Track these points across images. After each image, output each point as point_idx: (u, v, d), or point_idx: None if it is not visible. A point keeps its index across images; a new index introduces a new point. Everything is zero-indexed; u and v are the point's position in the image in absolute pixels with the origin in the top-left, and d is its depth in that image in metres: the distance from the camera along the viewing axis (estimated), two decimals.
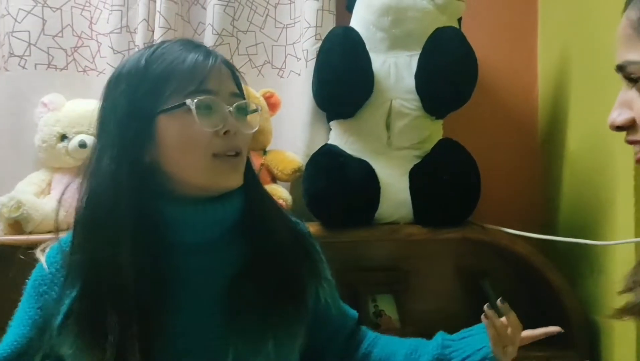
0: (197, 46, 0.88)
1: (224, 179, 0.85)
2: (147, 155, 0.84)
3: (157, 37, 1.57)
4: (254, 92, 1.59)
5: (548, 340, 1.57)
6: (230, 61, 1.65)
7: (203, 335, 0.83)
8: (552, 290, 1.49)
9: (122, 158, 0.82)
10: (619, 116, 0.66)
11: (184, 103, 0.81)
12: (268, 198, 0.96)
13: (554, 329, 1.01)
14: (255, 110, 0.91)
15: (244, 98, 0.91)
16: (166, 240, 0.84)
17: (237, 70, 0.93)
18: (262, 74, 1.70)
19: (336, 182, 1.42)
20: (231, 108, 0.85)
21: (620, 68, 0.65)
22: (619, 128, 0.66)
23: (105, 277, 0.80)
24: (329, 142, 1.57)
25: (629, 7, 0.67)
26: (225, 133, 0.84)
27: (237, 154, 0.86)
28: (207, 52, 0.87)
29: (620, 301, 0.70)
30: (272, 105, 1.61)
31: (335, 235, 1.45)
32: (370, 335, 1.08)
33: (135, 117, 0.83)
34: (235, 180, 0.86)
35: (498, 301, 0.98)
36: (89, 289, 0.81)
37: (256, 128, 0.91)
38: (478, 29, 1.68)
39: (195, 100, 0.81)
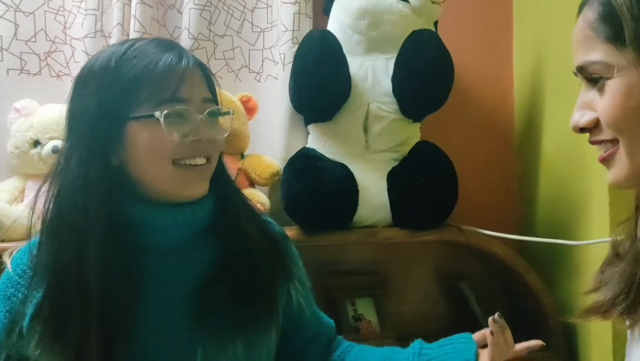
0: (170, 47, 0.86)
1: (188, 188, 0.84)
2: (116, 158, 0.83)
3: None
4: (231, 96, 1.58)
5: (525, 340, 1.58)
6: (207, 65, 1.64)
7: (171, 337, 0.82)
8: (530, 290, 1.50)
9: (90, 160, 0.81)
10: (582, 118, 0.67)
11: (153, 115, 0.81)
12: (240, 200, 0.95)
13: (536, 343, 0.99)
14: (227, 113, 0.91)
15: (217, 103, 0.90)
16: (135, 243, 0.83)
17: (210, 72, 0.92)
18: (239, 78, 1.69)
19: (314, 186, 1.41)
20: (202, 117, 0.84)
21: (581, 69, 0.67)
22: (582, 130, 0.68)
23: (70, 278, 0.79)
24: (307, 145, 1.56)
25: (584, 8, 0.68)
26: (194, 141, 0.84)
27: (208, 160, 0.86)
28: (180, 54, 0.85)
29: (588, 301, 0.71)
30: (250, 109, 1.60)
31: (313, 239, 1.45)
32: (344, 343, 1.06)
33: (105, 120, 0.82)
34: (198, 189, 0.85)
35: (496, 316, 0.94)
36: (54, 290, 0.80)
37: (227, 133, 0.90)
38: (454, 33, 1.69)
39: (165, 112, 0.81)
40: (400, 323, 1.61)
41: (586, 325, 1.40)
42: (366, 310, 1.57)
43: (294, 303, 0.95)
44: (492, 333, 0.92)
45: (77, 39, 1.61)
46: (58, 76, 1.61)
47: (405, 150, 1.51)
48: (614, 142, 0.65)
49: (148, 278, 0.83)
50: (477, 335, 0.96)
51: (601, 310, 0.69)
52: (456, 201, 1.48)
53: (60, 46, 1.62)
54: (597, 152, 0.69)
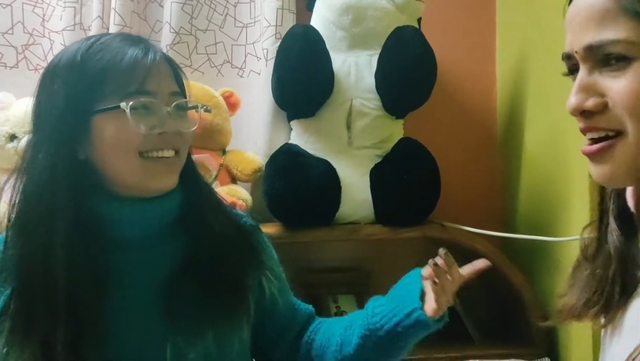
0: (136, 42, 0.85)
1: (156, 181, 0.84)
2: (82, 152, 0.83)
3: None
4: (213, 91, 1.56)
5: (507, 337, 1.59)
6: (188, 59, 1.61)
7: (141, 331, 0.82)
8: (511, 287, 1.51)
9: (57, 154, 0.81)
10: (588, 100, 0.59)
11: (119, 106, 0.81)
12: (209, 194, 0.95)
13: (481, 263, 0.96)
14: (195, 107, 0.90)
15: (185, 96, 0.89)
16: (103, 237, 0.83)
17: (178, 66, 0.91)
18: (221, 74, 1.68)
19: (296, 182, 1.41)
20: (169, 109, 0.84)
21: (591, 49, 0.58)
22: (584, 113, 0.59)
23: (37, 273, 0.78)
24: (290, 141, 1.55)
25: None
26: (160, 134, 0.83)
27: (176, 153, 0.86)
28: (147, 49, 0.84)
29: (561, 303, 0.70)
30: (232, 104, 1.59)
31: (296, 236, 1.44)
32: (315, 322, 1.05)
33: (72, 114, 0.81)
34: (166, 182, 0.85)
35: (440, 250, 0.92)
36: (22, 286, 0.79)
37: (195, 126, 0.90)
38: (437, 30, 1.69)
39: (131, 103, 0.81)
40: None
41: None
42: (348, 306, 1.57)
43: (266, 295, 0.94)
44: (435, 282, 0.91)
45: (55, 31, 1.58)
46: (36, 69, 1.58)
47: (389, 146, 1.51)
48: (613, 133, 0.58)
49: (117, 272, 0.83)
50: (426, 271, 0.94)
51: (574, 313, 0.67)
52: (438, 198, 1.48)
53: (39, 39, 1.60)
54: (583, 142, 0.62)
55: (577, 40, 0.59)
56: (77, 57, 0.83)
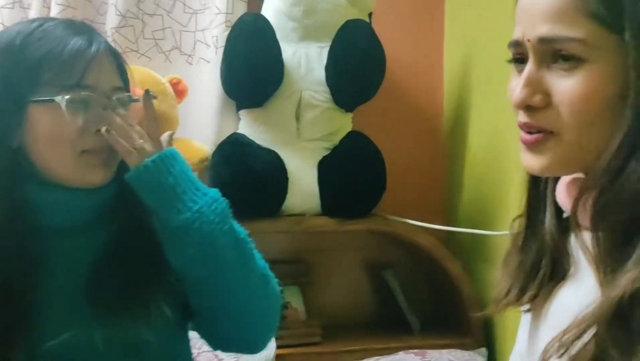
0: (81, 31, 0.82)
1: (89, 176, 0.81)
2: (16, 140, 0.80)
3: (54, 14, 1.48)
4: (160, 77, 1.53)
5: (447, 328, 1.63)
6: (134, 44, 1.57)
7: (71, 319, 0.81)
8: (451, 279, 1.55)
9: None
10: (534, 95, 0.58)
11: (54, 99, 0.78)
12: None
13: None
14: (137, 100, 0.87)
15: (128, 90, 0.87)
16: (33, 224, 0.81)
17: (123, 59, 0.88)
18: (169, 60, 1.64)
19: (242, 172, 1.40)
20: (108, 105, 0.81)
21: (546, 42, 0.57)
22: (527, 107, 0.59)
23: None
24: (238, 131, 1.54)
25: None
26: (98, 131, 0.80)
27: (114, 150, 0.82)
28: (91, 40, 0.81)
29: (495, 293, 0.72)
30: (179, 92, 1.56)
31: (242, 226, 1.43)
32: None
33: (6, 100, 0.78)
34: (99, 177, 0.82)
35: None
36: None
37: (136, 122, 0.85)
38: (388, 25, 1.71)
39: (67, 97, 0.78)
40: (326, 312, 1.62)
41: (504, 312, 1.45)
42: (293, 298, 1.57)
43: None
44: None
45: None
46: None
47: (337, 139, 1.52)
48: (547, 132, 0.58)
49: (46, 261, 0.81)
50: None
51: (506, 302, 0.68)
52: (384, 191, 1.50)
53: None
54: (520, 133, 0.61)
55: (530, 29, 0.58)
56: (17, 41, 0.79)
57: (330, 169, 1.47)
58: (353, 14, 1.51)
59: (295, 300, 1.57)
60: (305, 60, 1.50)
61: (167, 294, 0.85)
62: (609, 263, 0.56)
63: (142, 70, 1.52)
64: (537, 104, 0.59)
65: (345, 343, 1.55)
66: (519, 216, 0.72)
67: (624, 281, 0.53)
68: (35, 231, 0.81)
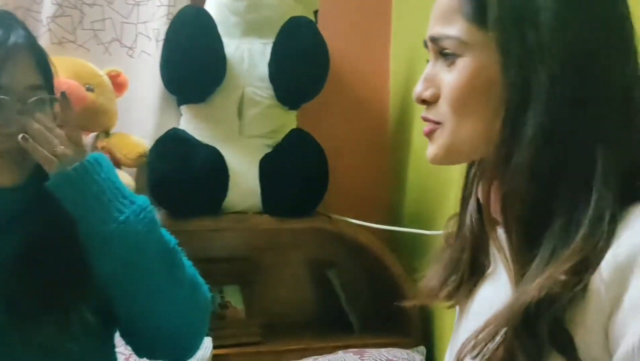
0: None
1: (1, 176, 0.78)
2: None
3: None
4: (98, 70, 1.48)
5: (387, 327, 1.65)
6: (72, 34, 1.51)
7: None
8: (391, 277, 1.56)
9: None
10: (426, 90, 0.64)
11: None
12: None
13: None
14: (55, 100, 0.82)
15: (50, 89, 0.82)
16: None
17: (43, 53, 0.83)
18: (109, 52, 1.60)
19: (181, 168, 1.37)
20: (22, 106, 0.77)
21: (434, 40, 0.64)
22: (424, 102, 0.65)
23: None
24: (179, 127, 1.51)
25: None
26: (7, 133, 0.76)
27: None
28: (7, 33, 0.77)
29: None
30: (118, 85, 1.52)
31: (181, 224, 1.40)
32: None
33: None
34: (7, 179, 0.78)
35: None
36: None
37: (56, 123, 0.81)
38: (333, 23, 1.70)
39: None
40: (267, 310, 1.61)
41: (442, 311, 1.48)
42: (233, 297, 1.55)
43: None
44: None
45: None
46: None
47: (280, 137, 1.50)
48: (437, 123, 0.64)
49: None
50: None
51: (430, 294, 0.71)
52: (326, 190, 1.50)
53: None
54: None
55: (429, 30, 0.65)
56: None
57: (271, 167, 1.46)
58: (298, 10, 1.50)
59: (235, 300, 1.55)
60: (248, 55, 1.48)
61: (91, 300, 0.82)
62: (518, 261, 0.58)
63: (78, 62, 1.48)
64: (428, 98, 0.65)
65: (284, 342, 1.54)
66: (455, 214, 0.74)
67: (532, 288, 0.54)
68: None
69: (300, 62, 1.43)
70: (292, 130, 1.53)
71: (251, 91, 1.47)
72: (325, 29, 1.53)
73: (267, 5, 1.47)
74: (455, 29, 0.62)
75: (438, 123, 0.64)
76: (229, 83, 1.46)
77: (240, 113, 1.48)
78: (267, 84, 1.47)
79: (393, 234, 1.67)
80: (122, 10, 1.60)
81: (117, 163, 1.47)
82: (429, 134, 0.65)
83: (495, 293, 0.64)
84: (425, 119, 0.65)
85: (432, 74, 0.64)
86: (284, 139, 1.50)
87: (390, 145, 1.81)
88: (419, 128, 1.66)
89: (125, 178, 1.42)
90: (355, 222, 1.53)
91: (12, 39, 0.76)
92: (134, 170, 1.52)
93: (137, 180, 1.48)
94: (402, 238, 1.65)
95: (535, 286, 0.54)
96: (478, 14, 0.60)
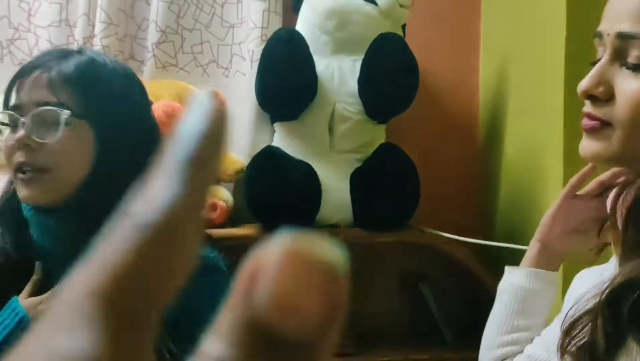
0: (45, 53, 0.89)
1: (20, 192, 0.82)
2: None
3: (98, 31, 1.53)
4: (198, 91, 1.57)
5: (481, 340, 1.61)
6: (174, 58, 1.59)
7: None
8: (487, 293, 1.52)
9: None
10: (598, 87, 0.61)
11: None
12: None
13: None
14: (54, 111, 0.82)
15: (66, 106, 0.82)
16: (35, 247, 0.86)
17: (65, 76, 0.84)
18: (207, 73, 1.69)
19: (277, 184, 1.42)
20: (26, 121, 0.81)
21: (625, 37, 0.58)
22: (591, 97, 0.62)
23: None
24: (273, 143, 1.56)
25: None
26: (19, 147, 0.82)
27: (42, 169, 0.82)
28: (40, 59, 0.87)
29: None
30: None
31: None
32: None
33: None
34: (28, 196, 0.81)
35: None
36: None
37: (58, 138, 0.81)
38: (422, 37, 1.71)
39: None
40: (359, 323, 1.62)
41: None
42: None
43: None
44: None
45: (41, 27, 1.58)
46: (21, 64, 1.55)
47: (370, 151, 1.52)
48: (605, 123, 0.61)
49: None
50: None
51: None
52: (418, 203, 1.50)
53: (24, 34, 1.59)
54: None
55: (613, 24, 0.60)
56: None
57: (362, 181, 1.48)
58: (386, 26, 1.52)
59: None
60: (338, 72, 1.51)
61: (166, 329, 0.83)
62: (630, 245, 0.57)
63: (180, 85, 1.57)
64: (599, 95, 0.61)
65: (379, 353, 1.55)
66: None
67: (626, 270, 0.54)
68: (38, 254, 0.84)
69: (390, 78, 1.45)
70: (382, 144, 1.54)
71: (341, 107, 1.50)
72: (413, 42, 1.53)
73: (356, 22, 1.50)
74: None
75: (607, 123, 0.61)
76: (320, 100, 1.49)
77: (330, 129, 1.51)
78: (356, 100, 1.50)
79: (485, 248, 1.64)
80: (219, 33, 1.69)
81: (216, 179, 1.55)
82: (591, 129, 0.62)
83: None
84: (590, 116, 0.62)
85: (606, 71, 0.61)
86: (374, 153, 1.51)
87: (480, 158, 1.78)
88: (510, 139, 1.63)
89: (224, 193, 1.49)
90: (447, 236, 1.52)
91: (37, 61, 0.86)
92: (231, 185, 1.59)
93: (234, 195, 1.55)
94: (495, 252, 1.62)
95: (628, 268, 0.54)
96: None
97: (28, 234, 0.84)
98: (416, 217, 1.54)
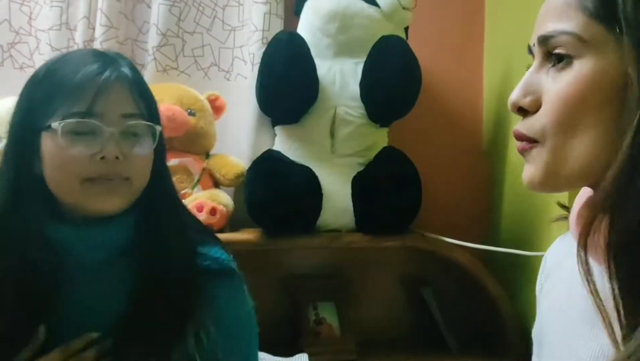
0: (99, 58, 0.83)
1: (95, 203, 0.80)
2: (38, 168, 0.82)
3: (98, 35, 1.52)
4: (198, 94, 1.56)
5: (485, 348, 1.60)
6: (174, 61, 1.58)
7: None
8: (490, 298, 1.51)
9: (15, 168, 0.81)
10: (525, 97, 0.56)
11: (51, 127, 0.79)
12: (173, 225, 0.87)
13: None
14: (152, 127, 0.85)
15: (147, 118, 0.85)
16: (54, 259, 0.81)
17: (142, 86, 0.86)
18: (208, 76, 1.67)
19: (277, 188, 1.41)
20: (114, 132, 0.80)
21: (544, 40, 0.55)
22: (520, 110, 0.57)
23: None
24: (274, 147, 1.55)
25: None
26: (102, 158, 0.80)
27: (127, 179, 0.82)
28: (105, 66, 0.81)
29: None
30: (217, 108, 1.58)
31: (276, 242, 1.44)
32: None
33: (25, 128, 0.82)
34: (109, 204, 0.81)
35: None
36: None
37: (146, 152, 0.84)
38: (425, 39, 1.69)
39: (62, 124, 0.79)
40: (361, 328, 1.61)
41: None
42: (328, 314, 1.57)
43: (205, 348, 0.84)
44: None
45: (42, 30, 1.57)
46: (21, 68, 1.58)
47: (371, 155, 1.51)
48: (532, 141, 0.56)
49: (66, 298, 0.81)
50: None
51: None
52: (419, 208, 1.48)
53: (25, 37, 1.59)
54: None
55: (536, 31, 0.58)
56: (42, 70, 0.84)
57: (363, 185, 1.46)
58: (389, 29, 1.50)
59: (330, 316, 1.57)
60: (340, 75, 1.50)
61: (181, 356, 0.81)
62: (627, 315, 0.49)
63: (181, 88, 1.56)
64: (526, 106, 0.56)
65: (381, 359, 1.54)
66: None
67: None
68: (55, 268, 0.81)
69: (391, 81, 1.43)
70: (384, 148, 1.53)
71: (343, 111, 1.49)
72: (416, 45, 1.52)
73: (358, 25, 1.48)
74: (572, 24, 0.53)
75: (535, 141, 0.55)
76: (322, 103, 1.48)
77: (332, 132, 1.49)
78: (358, 103, 1.48)
79: (488, 253, 1.62)
80: (220, 36, 1.68)
81: (216, 183, 1.54)
82: (522, 152, 0.57)
83: (582, 342, 0.57)
84: (518, 135, 0.57)
85: (534, 80, 0.56)
86: (375, 157, 1.50)
87: (484, 162, 1.77)
88: (514, 143, 1.61)
89: (224, 198, 1.48)
90: (449, 241, 1.50)
91: (108, 71, 0.81)
92: (232, 189, 1.58)
93: (235, 199, 1.54)
94: (498, 257, 1.60)
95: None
96: (602, 8, 0.52)
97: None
98: (418, 222, 1.52)
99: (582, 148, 0.53)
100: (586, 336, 0.57)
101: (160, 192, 0.88)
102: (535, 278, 1.46)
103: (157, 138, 0.86)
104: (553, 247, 0.72)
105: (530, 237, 1.48)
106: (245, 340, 0.91)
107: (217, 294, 0.86)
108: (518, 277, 1.54)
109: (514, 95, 0.57)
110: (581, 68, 0.52)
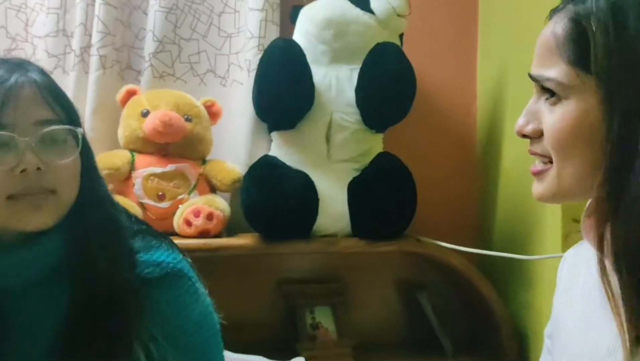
0: (1, 65, 0.76)
1: (21, 221, 0.74)
2: None
3: (95, 41, 1.53)
4: (195, 100, 1.57)
5: (479, 351, 1.61)
6: (171, 68, 1.58)
7: None
8: (484, 301, 1.53)
9: None
10: (527, 125, 0.65)
11: None
12: (105, 240, 0.81)
13: None
14: (72, 131, 0.78)
15: (62, 123, 0.77)
16: None
17: (56, 91, 0.79)
18: (204, 83, 1.68)
19: (274, 194, 1.42)
20: (30, 142, 0.73)
21: (535, 79, 0.65)
22: (525, 136, 0.66)
23: None
24: (270, 153, 1.56)
25: (554, 17, 0.65)
26: (22, 171, 0.73)
27: (53, 192, 0.76)
28: (10, 72, 0.74)
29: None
30: (213, 114, 1.59)
31: (273, 247, 1.45)
32: None
33: None
34: (36, 221, 0.75)
35: None
36: None
37: (70, 159, 0.77)
38: (419, 46, 1.71)
39: None
40: (357, 332, 1.62)
41: (537, 334, 1.43)
42: (324, 318, 1.58)
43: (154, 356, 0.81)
44: None
45: (38, 37, 1.58)
46: None
47: (367, 160, 1.52)
48: (547, 160, 0.64)
49: (8, 323, 0.77)
50: None
51: None
52: (414, 213, 1.50)
53: (21, 44, 1.60)
54: (533, 162, 0.68)
55: (532, 66, 0.66)
56: None
57: (359, 190, 1.48)
58: (384, 36, 1.52)
59: (326, 321, 1.58)
60: (336, 82, 1.51)
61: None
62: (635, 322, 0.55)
63: (178, 94, 1.57)
64: (529, 133, 0.65)
65: None
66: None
67: None
68: None
69: (387, 87, 1.45)
70: (380, 154, 1.54)
71: (339, 116, 1.50)
72: (411, 51, 1.54)
73: (354, 32, 1.50)
74: (554, 72, 0.62)
75: (548, 160, 0.64)
76: (318, 109, 1.50)
77: (328, 138, 1.51)
78: (354, 109, 1.50)
79: (482, 257, 1.64)
80: (216, 43, 1.69)
81: (213, 189, 1.55)
82: (540, 173, 0.65)
83: (599, 334, 0.61)
84: (533, 153, 0.66)
85: (535, 109, 0.65)
86: (371, 163, 1.52)
87: (478, 167, 1.78)
88: (507, 149, 1.63)
89: (220, 203, 1.49)
90: (443, 245, 1.52)
91: (15, 77, 0.74)
92: (228, 195, 1.59)
93: (231, 204, 1.54)
94: (492, 261, 1.62)
95: None
96: (579, 57, 0.60)
97: None
98: (413, 227, 1.54)
99: (575, 170, 0.62)
100: (602, 328, 0.62)
101: (92, 201, 0.81)
102: (528, 282, 1.49)
103: (80, 142, 0.79)
104: (571, 251, 0.79)
105: (524, 241, 1.49)
106: (200, 343, 0.85)
107: (160, 300, 0.81)
108: (512, 281, 1.56)
109: (519, 124, 0.67)
110: (568, 107, 0.61)
